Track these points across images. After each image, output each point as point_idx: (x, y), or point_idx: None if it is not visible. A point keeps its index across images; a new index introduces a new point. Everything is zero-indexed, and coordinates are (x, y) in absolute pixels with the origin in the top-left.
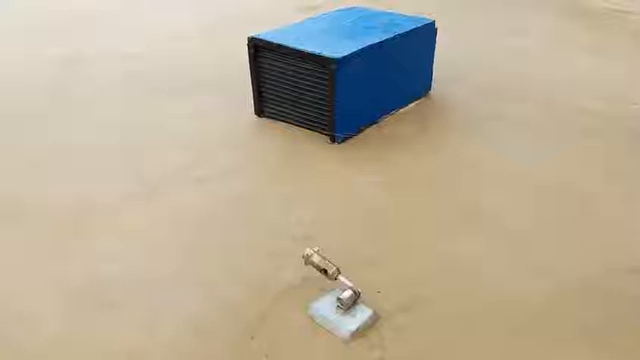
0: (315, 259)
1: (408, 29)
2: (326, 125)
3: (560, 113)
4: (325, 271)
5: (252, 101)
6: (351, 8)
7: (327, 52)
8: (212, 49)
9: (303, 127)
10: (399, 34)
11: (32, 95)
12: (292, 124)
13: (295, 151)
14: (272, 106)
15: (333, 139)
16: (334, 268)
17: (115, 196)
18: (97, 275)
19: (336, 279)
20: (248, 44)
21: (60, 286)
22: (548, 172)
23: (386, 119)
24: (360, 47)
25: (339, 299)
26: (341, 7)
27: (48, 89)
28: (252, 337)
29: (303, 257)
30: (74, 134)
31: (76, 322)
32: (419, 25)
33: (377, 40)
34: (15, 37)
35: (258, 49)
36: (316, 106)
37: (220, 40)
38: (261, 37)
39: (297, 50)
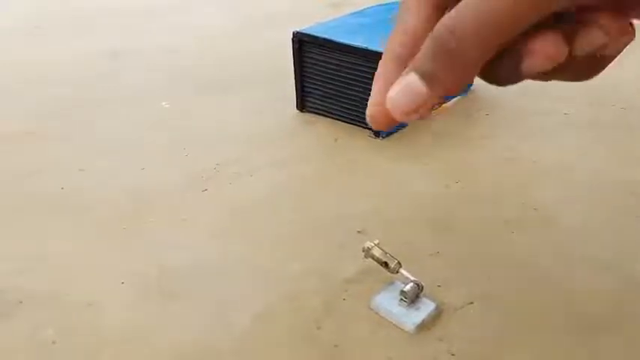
0: (376, 252)
1: None
2: None
3: (608, 110)
4: (386, 264)
5: (294, 96)
6: (390, 3)
7: (374, 46)
8: (247, 45)
9: (346, 122)
10: None
11: (81, 90)
12: (334, 118)
13: (340, 145)
14: (314, 100)
15: (377, 134)
16: (395, 261)
17: (170, 188)
18: (160, 265)
19: (397, 272)
20: (292, 39)
21: (124, 275)
22: (599, 168)
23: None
24: None
25: (402, 292)
26: (380, 3)
27: (95, 85)
28: (319, 327)
29: (363, 250)
30: (122, 128)
31: (141, 311)
32: None
33: None
34: (64, 33)
35: (303, 43)
36: (361, 100)
37: (256, 36)
38: (305, 31)
39: (344, 44)
